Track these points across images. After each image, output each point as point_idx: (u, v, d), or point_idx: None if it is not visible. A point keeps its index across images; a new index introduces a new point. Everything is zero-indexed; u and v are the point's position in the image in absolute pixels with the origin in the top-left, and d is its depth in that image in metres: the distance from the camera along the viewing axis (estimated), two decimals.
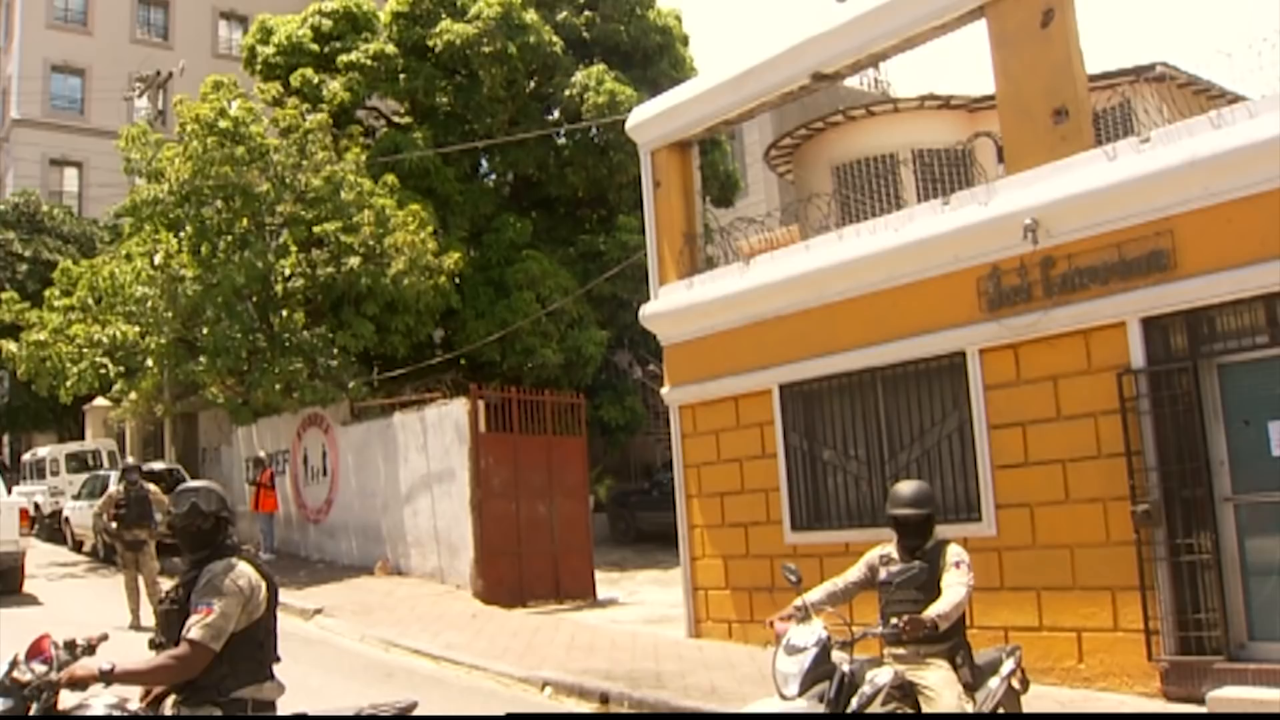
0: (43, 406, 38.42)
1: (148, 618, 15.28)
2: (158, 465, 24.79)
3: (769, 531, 12.72)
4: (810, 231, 13.86)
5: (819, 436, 12.42)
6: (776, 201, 24.71)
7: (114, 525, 15.74)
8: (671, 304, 13.78)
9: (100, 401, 32.75)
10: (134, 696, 5.30)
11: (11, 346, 23.53)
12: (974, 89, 17.64)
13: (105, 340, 22.25)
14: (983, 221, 10.54)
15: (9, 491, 20.71)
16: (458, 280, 23.44)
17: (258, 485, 22.33)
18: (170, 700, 5.19)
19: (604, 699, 10.88)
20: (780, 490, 12.64)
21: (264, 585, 5.19)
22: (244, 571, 5.10)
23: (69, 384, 22.86)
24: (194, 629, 4.88)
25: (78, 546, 25.78)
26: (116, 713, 5.21)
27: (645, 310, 14.37)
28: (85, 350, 22.68)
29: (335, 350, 21.30)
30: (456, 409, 17.98)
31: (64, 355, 22.75)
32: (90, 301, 22.66)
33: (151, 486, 16.03)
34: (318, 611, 16.22)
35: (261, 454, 22.82)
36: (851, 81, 21.00)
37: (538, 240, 26.45)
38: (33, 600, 18.65)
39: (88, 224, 40.21)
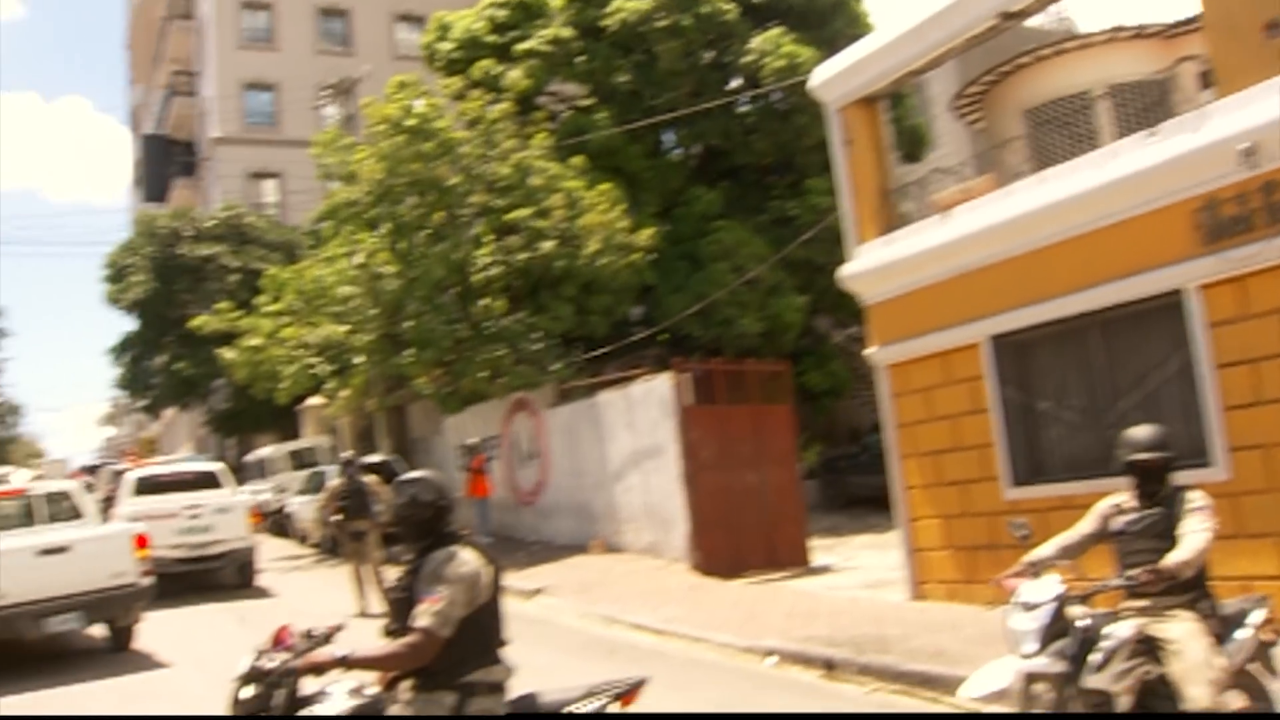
0: (261, 409, 39.94)
1: (373, 604, 15.79)
2: (373, 458, 25.50)
3: (987, 489, 12.39)
4: (1006, 178, 13.42)
5: (1033, 388, 12.04)
6: (966, 153, 24.06)
7: (337, 518, 16.27)
8: (871, 263, 13.52)
9: (314, 400, 33.84)
10: (370, 681, 5.44)
11: (229, 354, 24.50)
12: (1159, 17, 16.88)
13: (315, 341, 22.97)
14: (1194, 150, 10.03)
15: (237, 492, 21.91)
16: (652, 256, 23.45)
17: (470, 471, 22.77)
18: (405, 684, 5.29)
19: (829, 666, 10.78)
20: (996, 445, 12.28)
21: (487, 570, 5.26)
22: (466, 558, 5.18)
23: (284, 386, 23.68)
24: (422, 617, 4.98)
25: (302, 540, 26.78)
26: (355, 699, 5.36)
27: (844, 271, 14.13)
28: (297, 352, 23.44)
29: (536, 335, 21.55)
30: (661, 384, 18.01)
31: (277, 359, 23.55)
32: (298, 305, 23.40)
33: (370, 478, 16.52)
34: (538, 591, 16.48)
35: (472, 440, 23.25)
36: (1033, 22, 20.28)
37: (728, 210, 26.31)
38: (265, 593, 19.51)
39: (290, 231, 41.56)
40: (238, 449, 48.18)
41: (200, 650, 14.06)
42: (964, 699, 6.62)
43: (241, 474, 33.63)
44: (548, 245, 21.04)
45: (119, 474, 27.69)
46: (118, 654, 14.50)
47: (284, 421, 40.60)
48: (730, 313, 24.34)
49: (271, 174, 48.67)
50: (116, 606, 13.93)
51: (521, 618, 14.84)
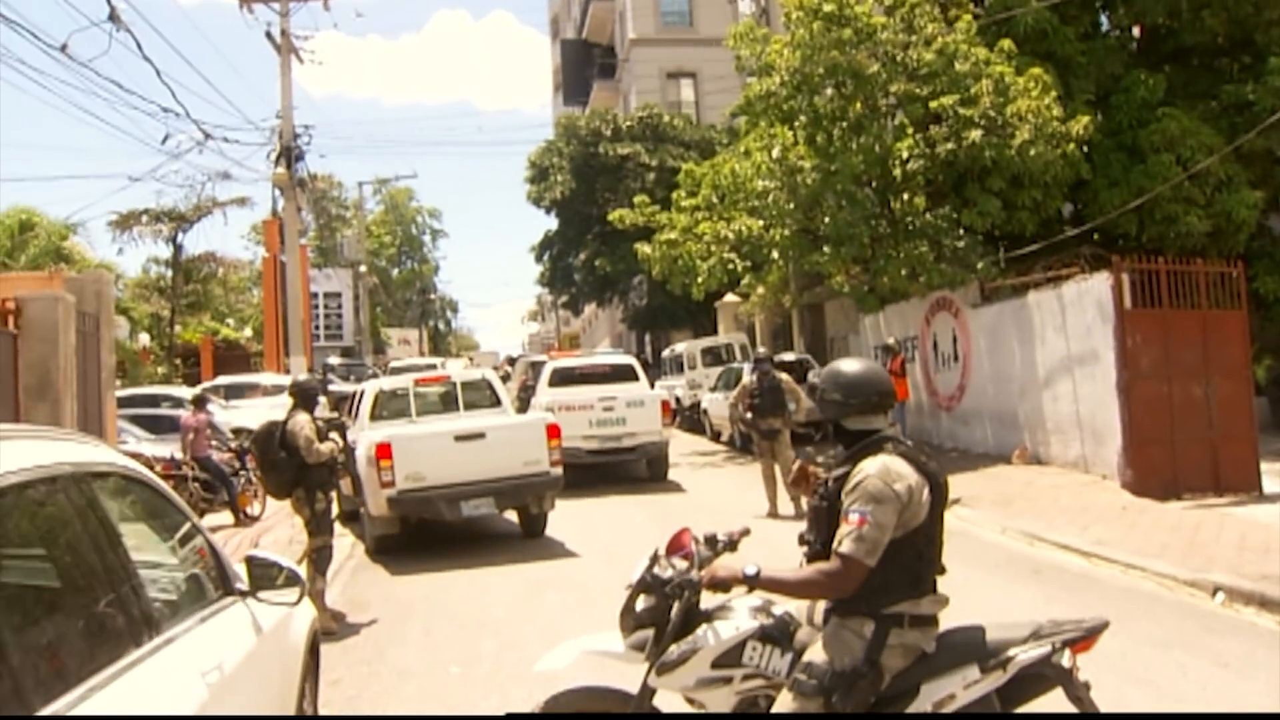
0: (677, 305, 40.61)
1: (784, 505, 15.33)
2: (788, 356, 25.13)
3: None
4: None
5: None
6: None
7: (749, 415, 15.89)
8: None
9: (730, 298, 33.89)
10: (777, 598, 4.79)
11: (646, 249, 24.60)
12: None
13: (731, 236, 22.64)
14: None
15: (651, 386, 22.26)
16: (1086, 148, 21.65)
17: (888, 372, 21.92)
18: (818, 607, 4.61)
19: None
20: None
21: (925, 486, 4.44)
22: (901, 472, 4.37)
23: (700, 280, 23.53)
24: (846, 541, 4.26)
25: (715, 436, 26.81)
26: (761, 618, 4.74)
27: None
28: (713, 247, 23.21)
29: (960, 231, 20.37)
30: (1098, 285, 16.53)
31: (694, 253, 23.42)
32: (714, 200, 23.14)
33: (784, 376, 16.01)
34: (955, 501, 15.45)
35: (890, 340, 22.32)
36: None
37: (1172, 97, 23.91)
38: (677, 487, 19.49)
39: (706, 130, 41.63)
40: (653, 345, 49.30)
41: (608, 543, 14.11)
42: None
43: (656, 369, 34.28)
44: (974, 134, 19.61)
45: (534, 365, 28.59)
46: (528, 540, 14.85)
47: (699, 319, 41.12)
48: (1173, 209, 22.18)
49: (687, 73, 48.96)
50: (528, 494, 14.18)
51: None
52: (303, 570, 6.43)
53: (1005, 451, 18.88)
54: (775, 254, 22.14)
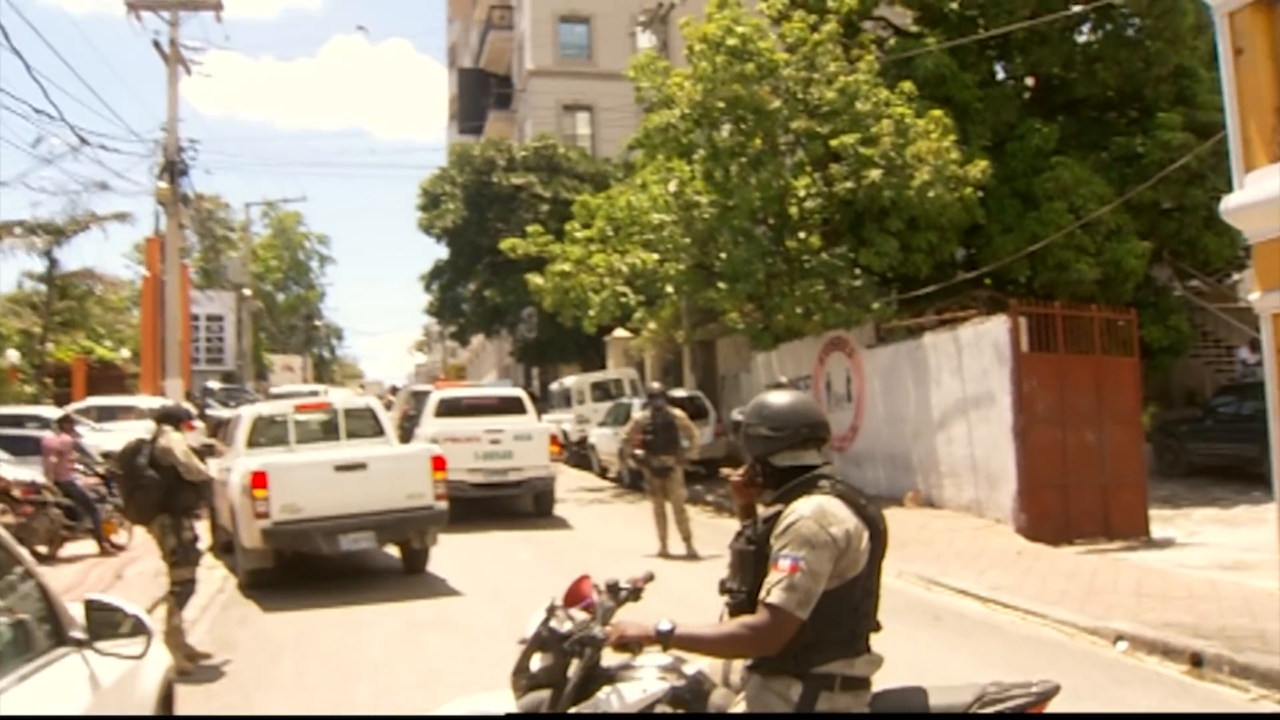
0: (566, 339, 40.08)
1: (675, 545, 14.94)
2: (680, 392, 24.81)
3: None
4: None
5: None
6: None
7: (641, 452, 15.47)
8: (1263, 193, 11.61)
9: (620, 332, 33.53)
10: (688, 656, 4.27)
11: (538, 280, 24.16)
12: None
13: (625, 269, 22.31)
14: None
15: (539, 419, 21.85)
16: (981, 193, 21.73)
17: None
18: (736, 665, 4.16)
19: (1196, 661, 9.15)
20: None
21: (865, 532, 3.97)
22: (838, 515, 3.87)
23: (592, 314, 23.15)
24: (775, 591, 3.72)
25: (603, 472, 26.39)
26: (670, 679, 4.24)
27: (1228, 203, 12.25)
28: (606, 280, 22.86)
29: (856, 271, 20.26)
30: (995, 327, 16.46)
31: (586, 286, 23.02)
32: (609, 232, 22.78)
33: (678, 412, 15.66)
34: None
35: (783, 379, 22.16)
36: None
37: (1064, 146, 24.16)
38: (564, 524, 19.05)
39: (601, 163, 41.36)
40: (541, 379, 48.75)
41: (493, 581, 13.62)
42: None
43: (544, 403, 33.75)
44: (874, 174, 19.54)
45: (417, 395, 27.98)
46: (410, 576, 14.24)
47: (588, 353, 40.68)
48: (1065, 256, 22.32)
49: (584, 106, 48.65)
50: (411, 528, 13.62)
51: None
52: (155, 615, 5.76)
53: (898, 493, 18.71)
54: (670, 288, 21.86)
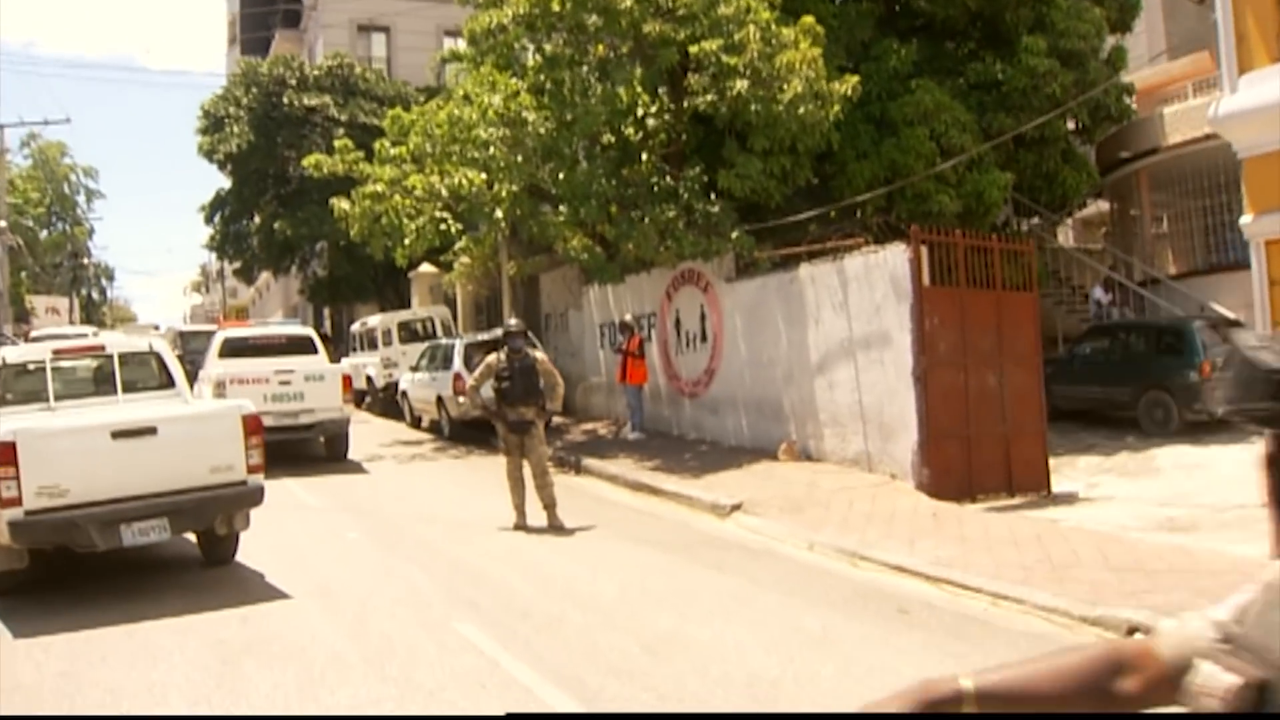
0: (363, 276, 37.11)
1: (534, 514, 12.43)
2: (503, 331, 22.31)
3: None
4: None
5: None
6: None
7: (496, 402, 12.67)
8: (1261, 98, 9.74)
9: (425, 268, 30.75)
10: None
11: (344, 205, 21.26)
12: None
13: (445, 191, 19.59)
14: None
15: (334, 361, 20.45)
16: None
17: (624, 353, 19.33)
18: None
19: None
20: None
21: None
22: None
23: (407, 242, 20.39)
24: None
25: (416, 422, 23.74)
26: None
27: (1219, 109, 10.44)
28: (424, 205, 20.13)
29: (712, 196, 18.00)
30: (893, 257, 14.39)
31: (401, 210, 20.26)
32: (427, 149, 19.96)
33: (539, 354, 13.02)
34: (736, 508, 13.06)
35: (627, 317, 19.80)
36: None
37: (919, 70, 22.41)
38: (386, 487, 16.33)
39: (401, 85, 38.23)
40: (334, 320, 45.57)
41: (321, 572, 10.65)
42: None
43: (339, 345, 30.95)
44: (740, 85, 17.18)
45: (185, 335, 24.98)
46: (212, 572, 11.06)
47: (386, 291, 37.82)
48: (925, 187, 20.56)
49: (380, 27, 45.26)
50: (216, 512, 10.42)
51: (731, 544, 11.54)
52: None
53: (766, 445, 16.63)
54: (499, 212, 19.22)
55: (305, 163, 21.64)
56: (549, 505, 12.28)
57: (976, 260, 14.65)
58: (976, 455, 14.16)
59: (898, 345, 14.19)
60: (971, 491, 13.85)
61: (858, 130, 21.07)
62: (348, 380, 19.02)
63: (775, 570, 10.20)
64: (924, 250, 14.10)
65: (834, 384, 15.46)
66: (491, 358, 12.79)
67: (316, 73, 37.36)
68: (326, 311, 46.00)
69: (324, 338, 41.58)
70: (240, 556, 11.07)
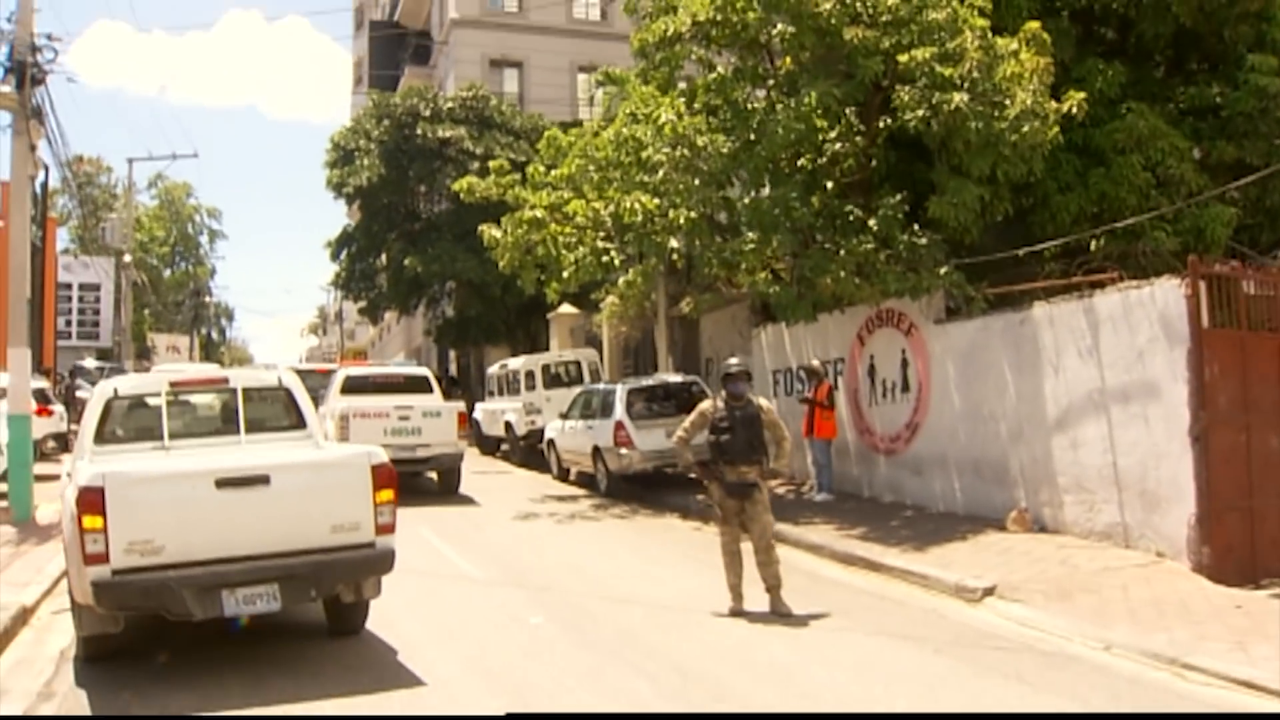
0: (495, 317, 35.55)
1: (754, 598, 10.31)
2: (673, 377, 20.30)
3: None
4: None
5: None
6: None
7: (715, 459, 10.45)
8: None
9: (565, 309, 28.95)
10: None
11: (494, 232, 19.48)
12: None
13: (608, 218, 17.70)
14: None
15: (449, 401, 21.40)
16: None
17: (813, 404, 17.15)
18: None
19: None
20: None
21: None
22: None
23: (565, 274, 18.52)
24: None
25: (564, 475, 21.82)
26: None
27: None
28: (585, 233, 18.26)
29: (915, 227, 15.86)
30: (1164, 294, 12.11)
31: (560, 238, 18.43)
32: (590, 170, 18.09)
33: (763, 403, 10.73)
34: (989, 592, 10.83)
35: (814, 363, 17.65)
36: None
37: (1124, 95, 20.10)
38: (555, 554, 14.26)
39: (536, 118, 36.73)
40: (459, 363, 44.11)
41: (509, 671, 8.51)
42: None
43: (466, 388, 29.64)
44: (958, 98, 15.03)
45: (302, 374, 24.11)
46: (343, 642, 9.38)
47: (517, 334, 36.18)
48: (1138, 224, 18.22)
49: (513, 63, 44.03)
50: (337, 579, 8.78)
51: (1009, 642, 9.19)
52: None
53: (987, 512, 14.36)
54: (673, 241, 17.26)
55: (456, 186, 19.91)
56: (773, 588, 10.13)
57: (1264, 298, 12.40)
58: (1260, 531, 11.84)
59: (1168, 398, 11.91)
60: (1255, 575, 11.50)
61: (1059, 159, 18.82)
62: (463, 417, 20.09)
63: (1092, 683, 7.96)
64: (1203, 285, 11.85)
65: (1078, 443, 13.15)
66: (706, 405, 10.62)
67: (450, 104, 36.04)
68: (452, 354, 44.47)
69: (450, 380, 40.19)
70: (406, 650, 9.08)
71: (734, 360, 11.00)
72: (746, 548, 10.37)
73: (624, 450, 18.39)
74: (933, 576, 11.44)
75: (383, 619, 9.73)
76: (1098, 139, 18.95)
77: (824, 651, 8.76)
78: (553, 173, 19.15)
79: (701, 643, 9.07)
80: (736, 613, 10.19)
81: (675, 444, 10.74)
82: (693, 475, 11.83)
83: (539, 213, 18.25)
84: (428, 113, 35.43)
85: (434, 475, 20.10)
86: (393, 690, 7.94)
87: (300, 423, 10.62)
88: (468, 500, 19.35)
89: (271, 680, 8.25)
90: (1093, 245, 16.94)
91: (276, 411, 10.77)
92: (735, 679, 8.03)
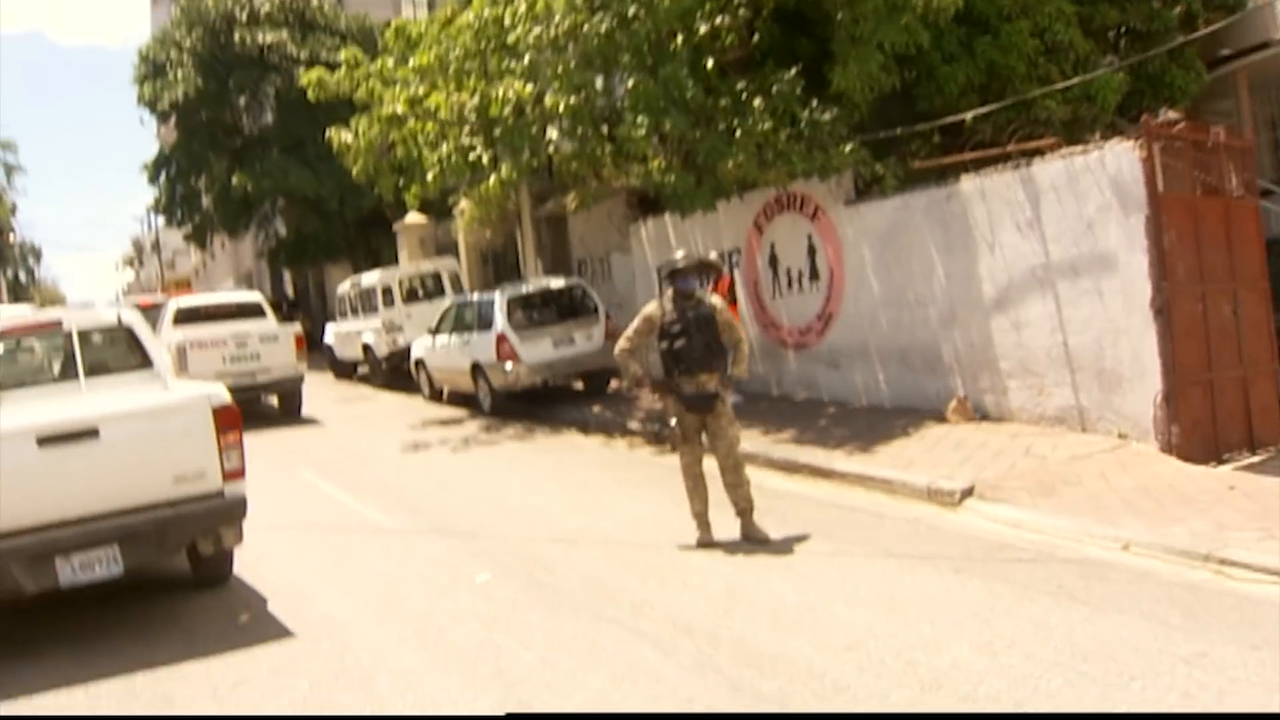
0: (334, 233, 33.58)
1: (724, 524, 9.09)
2: (554, 282, 18.94)
3: None
4: None
5: None
6: None
7: (668, 370, 9.05)
8: None
9: (414, 218, 27.25)
10: None
11: (345, 135, 17.76)
12: None
13: (478, 110, 16.11)
14: None
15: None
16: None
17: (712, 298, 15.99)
18: None
19: None
20: None
21: None
22: None
23: (430, 176, 16.90)
24: None
25: (437, 395, 20.42)
26: None
27: None
28: (450, 129, 16.66)
29: (814, 102, 14.68)
30: (1114, 159, 11.15)
31: (421, 136, 16.82)
32: (453, 57, 16.47)
33: (716, 301, 9.33)
34: (967, 493, 9.84)
35: (713, 255, 16.40)
36: None
37: None
38: (485, 492, 12.89)
39: (362, 18, 34.52)
40: (296, 284, 41.97)
41: (483, 654, 6.78)
42: None
43: (307, 309, 27.94)
44: None
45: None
46: (208, 594, 8.62)
47: (358, 249, 34.31)
48: (1028, 89, 17.36)
49: None
50: (182, 535, 7.99)
51: (1021, 551, 8.19)
52: None
53: (919, 403, 13.44)
54: (552, 131, 15.80)
55: (305, 80, 17.91)
56: (745, 511, 8.86)
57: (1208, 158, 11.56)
58: (1220, 405, 11.13)
59: (1125, 270, 11.02)
60: (1218, 451, 10.82)
61: (941, 29, 17.82)
62: (300, 340, 20.18)
63: (1151, 596, 6.92)
64: (1157, 146, 10.93)
65: (1021, 324, 12.23)
66: (651, 308, 9.10)
67: (267, 7, 33.48)
68: (288, 275, 42.21)
69: (290, 303, 38.07)
70: (341, 635, 7.48)
71: (680, 254, 9.61)
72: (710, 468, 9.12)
73: (509, 365, 17.00)
74: (897, 481, 10.39)
75: (300, 594, 8.39)
76: (982, 5, 17.93)
77: (831, 584, 7.53)
78: (405, 66, 17.42)
79: (689, 587, 7.69)
80: (706, 544, 8.89)
81: (618, 357, 9.26)
82: (635, 392, 10.45)
83: (399, 108, 16.54)
84: (244, 17, 32.94)
85: (274, 400, 20.68)
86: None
87: (146, 361, 9.65)
88: (341, 432, 18.01)
89: (117, 651, 7.13)
90: (970, 117, 15.92)
91: (120, 352, 9.80)
92: (755, 633, 6.54)
